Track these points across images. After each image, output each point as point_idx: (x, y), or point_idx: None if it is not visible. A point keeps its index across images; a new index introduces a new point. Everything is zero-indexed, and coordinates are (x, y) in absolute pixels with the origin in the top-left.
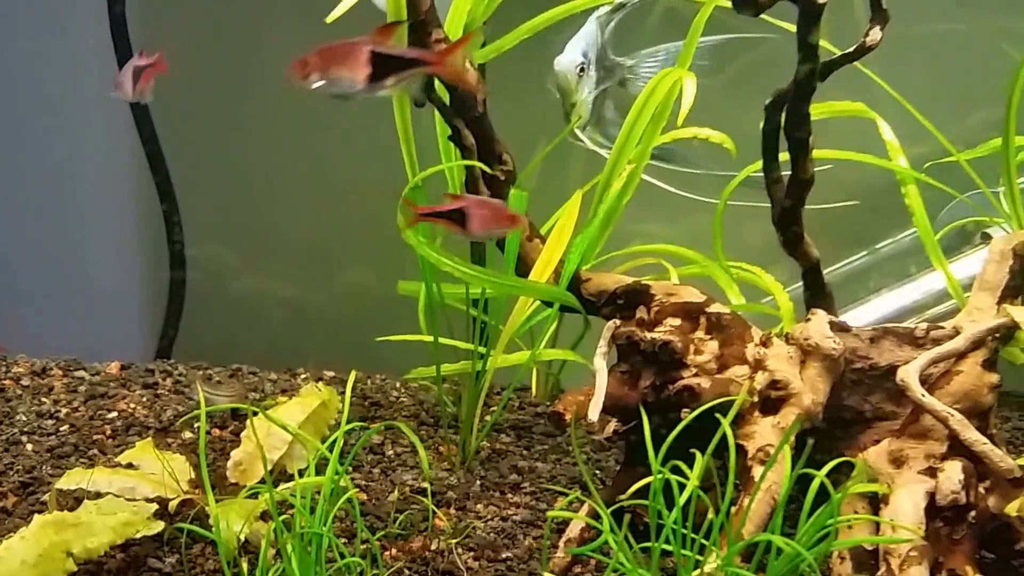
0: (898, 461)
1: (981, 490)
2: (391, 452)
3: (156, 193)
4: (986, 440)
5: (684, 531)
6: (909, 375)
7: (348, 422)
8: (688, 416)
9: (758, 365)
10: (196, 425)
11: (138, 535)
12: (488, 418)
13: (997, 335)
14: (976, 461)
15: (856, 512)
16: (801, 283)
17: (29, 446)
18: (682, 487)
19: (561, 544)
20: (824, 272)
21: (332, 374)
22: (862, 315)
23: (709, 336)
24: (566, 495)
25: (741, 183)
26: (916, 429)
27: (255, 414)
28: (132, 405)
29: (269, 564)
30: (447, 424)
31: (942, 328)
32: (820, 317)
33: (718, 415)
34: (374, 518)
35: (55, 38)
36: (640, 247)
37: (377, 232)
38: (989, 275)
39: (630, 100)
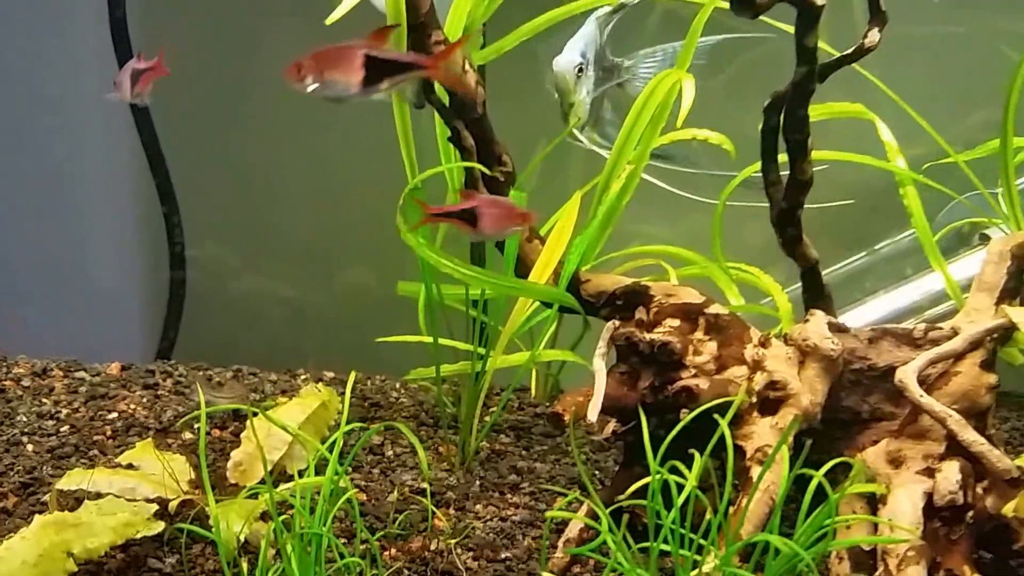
0: (896, 461)
1: (979, 490)
2: (391, 453)
3: (156, 193)
4: (984, 440)
5: (682, 531)
6: (907, 376)
7: (348, 423)
8: (686, 417)
9: (757, 366)
10: (196, 426)
11: (138, 535)
12: (487, 419)
13: (995, 336)
14: (974, 461)
15: (854, 512)
16: (800, 284)
17: (30, 447)
18: (680, 487)
19: (560, 544)
20: (823, 273)
21: (332, 375)
22: (861, 316)
23: (708, 337)
24: (565, 495)
25: (741, 184)
26: (914, 429)
27: (255, 415)
28: (132, 406)
29: (269, 564)
30: (446, 425)
31: (940, 329)
32: (819, 318)
33: (716, 416)
34: (373, 518)
35: (55, 38)
36: (639, 248)
37: (377, 232)
38: (987, 276)
39: (628, 100)
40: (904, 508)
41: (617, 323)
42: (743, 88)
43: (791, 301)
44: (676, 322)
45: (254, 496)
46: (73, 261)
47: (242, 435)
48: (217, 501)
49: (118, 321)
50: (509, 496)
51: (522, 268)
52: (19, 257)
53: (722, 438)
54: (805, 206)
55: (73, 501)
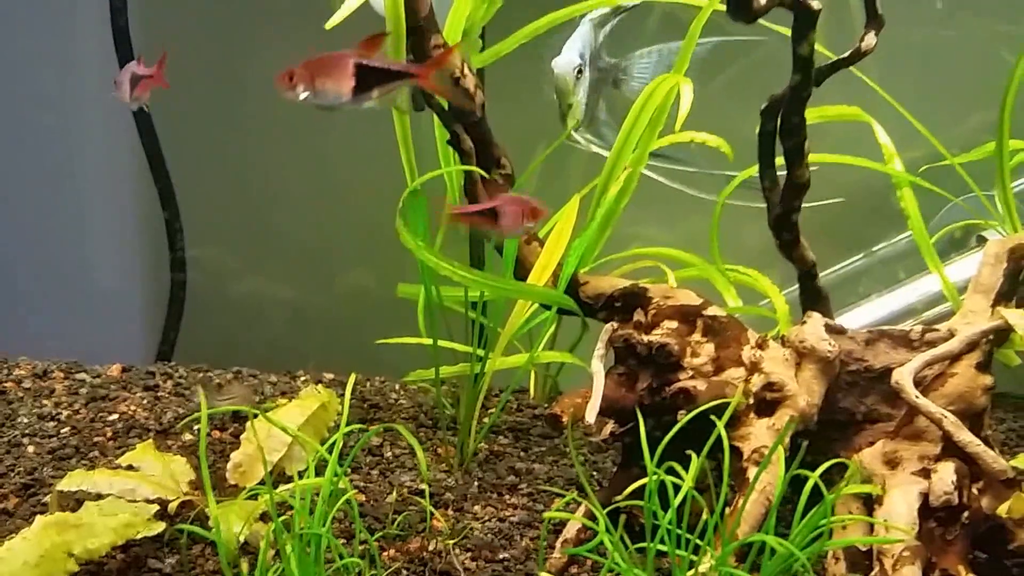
0: (892, 462)
1: (974, 491)
2: (390, 454)
3: (156, 195)
4: (979, 441)
5: (679, 531)
6: (904, 377)
7: (347, 424)
8: (684, 418)
9: (754, 367)
10: (196, 427)
11: (139, 536)
12: (486, 420)
13: (991, 338)
14: (970, 462)
15: (851, 512)
16: (797, 286)
17: (30, 448)
18: (677, 488)
19: (558, 545)
20: (821, 275)
21: (331, 376)
22: (858, 317)
23: (705, 339)
24: (563, 496)
25: (740, 184)
26: (910, 430)
27: (255, 416)
28: (133, 407)
29: (268, 564)
30: (445, 426)
31: (937, 331)
32: (816, 320)
33: (713, 417)
34: (372, 519)
35: (56, 39)
36: (638, 250)
37: (376, 234)
38: (984, 278)
39: (622, 100)
40: (900, 508)
41: (615, 325)
42: (742, 90)
43: (789, 303)
44: (674, 324)
45: (254, 497)
46: (73, 262)
47: (242, 437)
48: (217, 502)
49: (118, 323)
50: (507, 497)
51: (521, 270)
52: (19, 258)
53: (719, 439)
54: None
55: (74, 502)
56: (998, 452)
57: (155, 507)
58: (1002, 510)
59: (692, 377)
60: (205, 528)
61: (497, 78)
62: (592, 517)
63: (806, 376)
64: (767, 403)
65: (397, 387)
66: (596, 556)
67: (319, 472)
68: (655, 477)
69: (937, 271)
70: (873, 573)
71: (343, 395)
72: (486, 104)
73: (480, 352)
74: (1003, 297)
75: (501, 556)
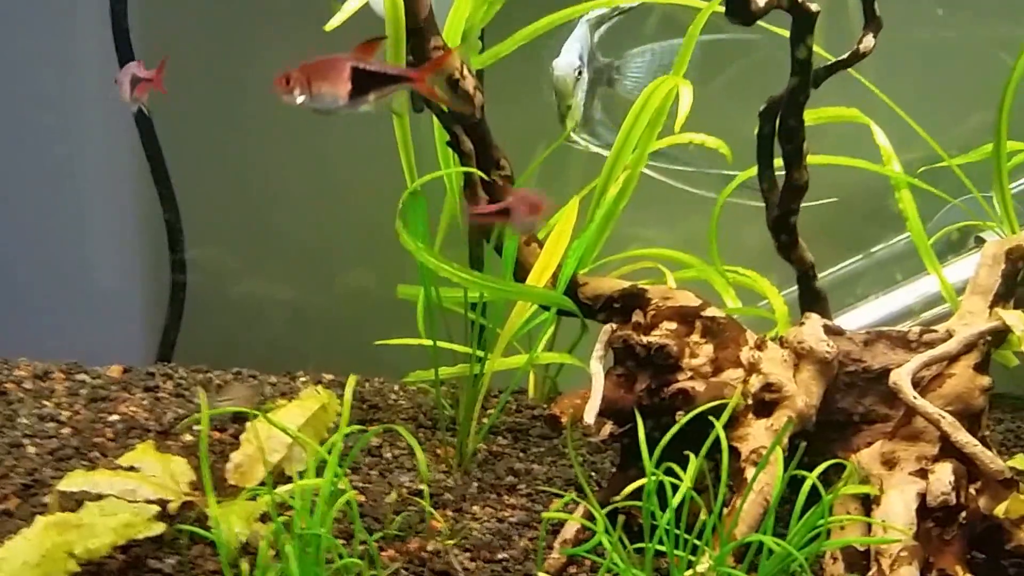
0: (890, 463)
1: (972, 491)
2: (389, 454)
3: (156, 194)
4: (977, 442)
5: (677, 532)
6: (901, 378)
7: (347, 425)
8: (682, 419)
9: (752, 368)
10: (196, 428)
11: (139, 536)
12: (485, 421)
13: (989, 338)
14: (967, 463)
15: (849, 513)
16: (796, 287)
17: (31, 448)
18: (676, 489)
19: (556, 545)
20: (820, 276)
21: (331, 377)
22: (857, 318)
23: (704, 340)
24: (562, 497)
25: (741, 185)
26: (908, 431)
27: (255, 417)
28: (133, 408)
29: (269, 565)
30: (445, 427)
31: (935, 331)
32: (814, 321)
33: (711, 418)
34: (372, 519)
35: (56, 38)
36: (637, 251)
37: (376, 235)
38: (982, 279)
39: (617, 99)
40: (897, 509)
41: (614, 326)
42: (742, 90)
43: (787, 304)
44: (673, 325)
45: (254, 498)
46: (73, 263)
47: (241, 437)
48: (217, 503)
49: (119, 323)
50: (506, 497)
51: (520, 271)
52: (19, 258)
53: (717, 440)
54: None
55: (74, 503)
56: (996, 452)
57: (155, 507)
58: (999, 510)
59: (691, 378)
60: (205, 528)
61: (496, 79)
62: (591, 517)
63: (804, 377)
64: (765, 404)
65: (396, 388)
66: (595, 556)
67: (319, 473)
68: (653, 478)
69: (935, 272)
70: (871, 573)
71: (343, 396)
72: (485, 105)
73: (479, 353)
74: (1001, 298)
75: (500, 556)
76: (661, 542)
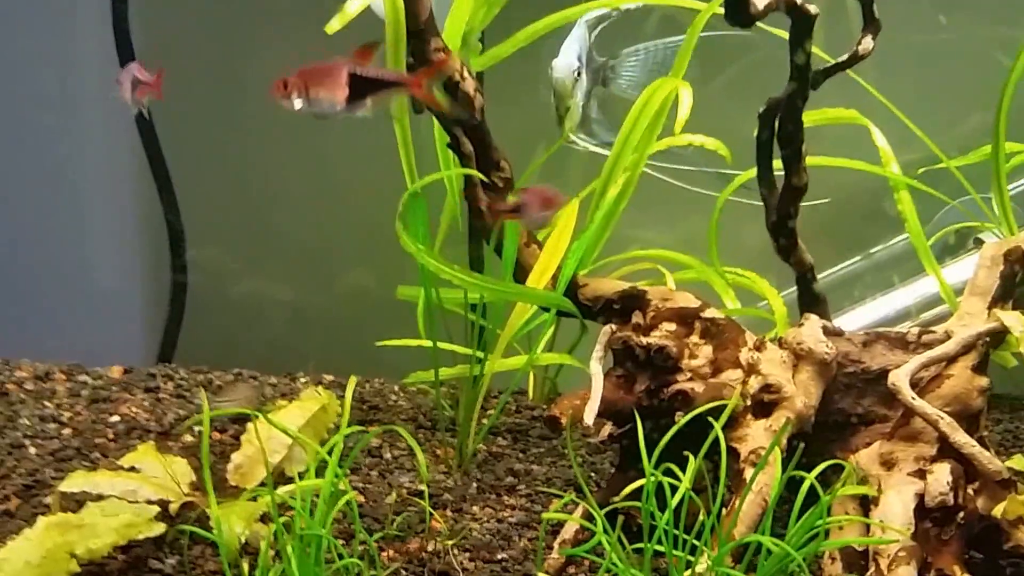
0: (888, 463)
1: (970, 491)
2: (389, 455)
3: (156, 194)
4: (975, 443)
5: (676, 532)
6: (900, 379)
7: (347, 426)
8: (681, 420)
9: (751, 369)
10: (197, 429)
11: (140, 536)
12: (485, 421)
13: (987, 339)
14: (965, 463)
15: (848, 513)
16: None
17: (32, 449)
18: (675, 489)
19: (556, 545)
20: (819, 277)
21: (331, 378)
22: (856, 319)
23: (703, 341)
24: (561, 497)
25: (741, 184)
26: (907, 432)
27: (255, 418)
28: (134, 409)
29: (269, 565)
30: (444, 427)
31: (933, 332)
32: (813, 322)
33: (710, 418)
34: (372, 520)
35: (56, 38)
36: (637, 252)
37: (376, 235)
38: (980, 280)
39: (613, 98)
40: (896, 509)
41: (614, 327)
42: (742, 89)
43: (787, 305)
44: (672, 326)
45: (255, 498)
46: (74, 263)
47: (242, 438)
48: (217, 503)
49: (119, 324)
50: (506, 498)
51: (520, 273)
52: (20, 259)
53: (716, 440)
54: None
55: (75, 503)
56: (994, 453)
57: (156, 508)
58: (997, 511)
59: (690, 379)
60: (206, 529)
61: (496, 80)
62: (590, 518)
63: (803, 378)
64: (764, 405)
65: (396, 389)
66: (594, 556)
67: (319, 473)
68: (652, 478)
69: (934, 273)
70: (869, 573)
71: (343, 397)
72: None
73: (479, 354)
74: (999, 299)
75: (499, 556)
76: (660, 542)
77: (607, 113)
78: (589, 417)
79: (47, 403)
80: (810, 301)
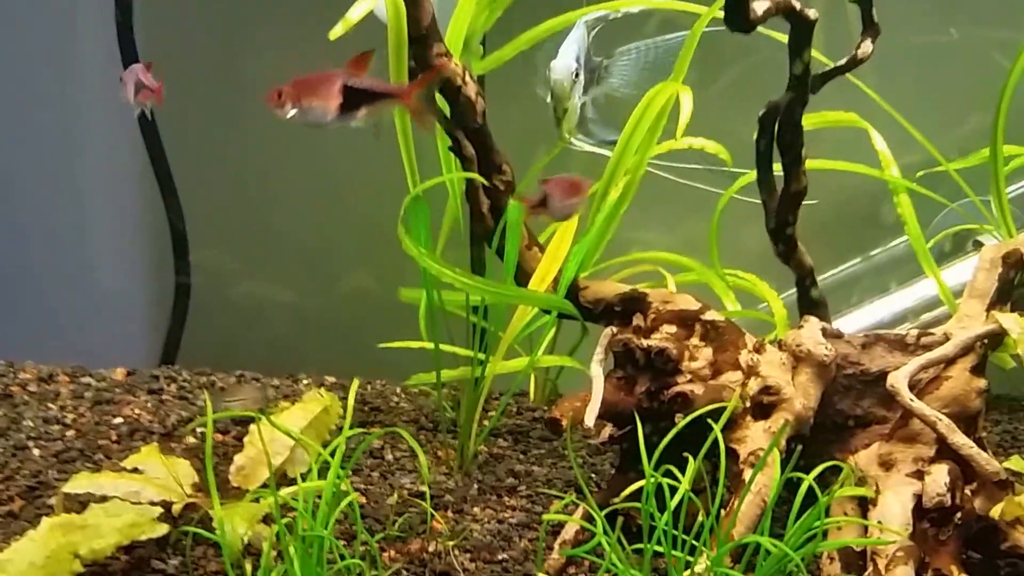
0: (887, 464)
1: (968, 492)
2: (390, 456)
3: (159, 195)
4: (973, 444)
5: (676, 533)
6: (899, 380)
7: (349, 427)
8: (681, 422)
9: (751, 371)
10: (199, 430)
11: (143, 537)
12: (486, 423)
13: (986, 341)
14: (963, 464)
15: (846, 513)
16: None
17: (36, 451)
18: (674, 490)
19: (556, 546)
20: (819, 279)
21: (333, 380)
22: (855, 321)
23: (704, 343)
24: (561, 498)
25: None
26: (905, 433)
27: (258, 419)
28: (137, 411)
29: (271, 565)
30: (446, 429)
31: (932, 334)
32: (812, 324)
33: (710, 420)
34: (373, 521)
35: (57, 38)
36: (637, 255)
37: (378, 237)
38: (979, 283)
39: (609, 97)
40: (894, 509)
41: (615, 329)
42: (742, 92)
43: (787, 307)
44: (672, 328)
45: (257, 499)
46: (77, 265)
47: (245, 439)
48: (220, 504)
49: (122, 326)
50: (506, 499)
51: (522, 276)
52: (22, 260)
53: (716, 442)
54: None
55: (78, 505)
56: (992, 454)
57: (159, 509)
58: (995, 511)
59: (690, 381)
60: (209, 530)
61: (495, 81)
62: (590, 519)
63: (802, 380)
64: (763, 406)
65: (398, 390)
66: (594, 557)
67: (321, 475)
68: (652, 480)
69: (933, 276)
70: (867, 573)
71: (345, 398)
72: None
73: (481, 356)
74: (998, 302)
75: (500, 557)
76: (659, 543)
77: (603, 112)
78: (590, 419)
79: (51, 405)
80: (809, 303)
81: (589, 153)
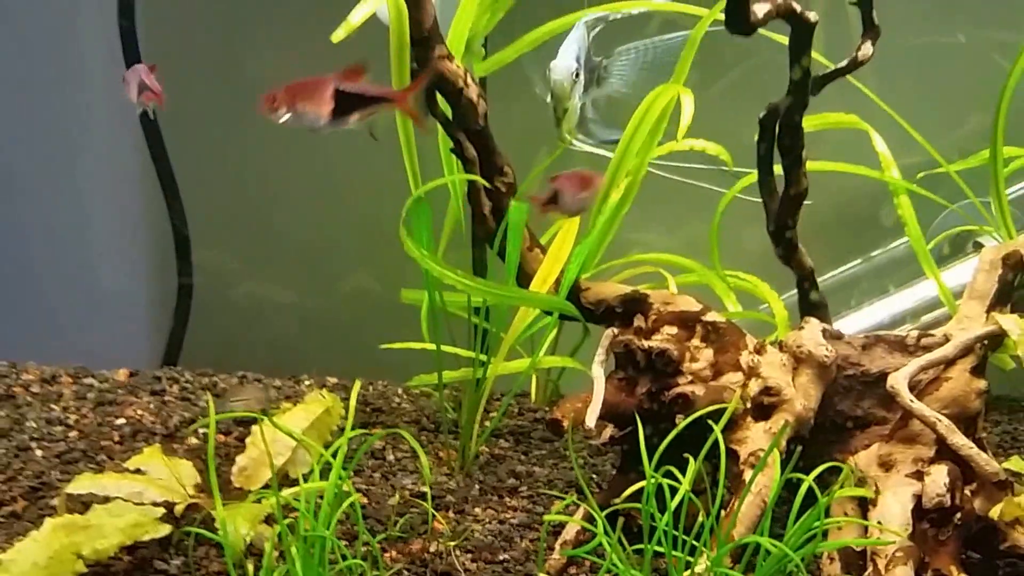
0: (887, 464)
1: (967, 493)
2: (392, 457)
3: (161, 196)
4: (972, 444)
5: (676, 533)
6: (899, 381)
7: (351, 428)
8: (681, 423)
9: (752, 372)
10: (202, 431)
11: (146, 538)
12: (487, 424)
13: (986, 342)
14: (963, 465)
15: (846, 514)
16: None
17: (39, 452)
18: (675, 491)
19: (557, 546)
20: (819, 280)
21: (335, 381)
22: (856, 322)
23: (704, 344)
24: (562, 499)
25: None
26: (905, 434)
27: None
28: (139, 411)
29: (273, 566)
30: (447, 430)
31: (932, 335)
32: (813, 325)
33: (710, 421)
34: (375, 521)
35: (58, 38)
36: (639, 256)
37: (380, 238)
38: (979, 284)
39: (608, 97)
40: (893, 510)
41: (616, 331)
42: (743, 94)
43: (787, 308)
44: (673, 330)
45: (259, 500)
46: (79, 266)
47: (247, 440)
48: (222, 505)
49: (124, 326)
50: (508, 499)
51: (523, 277)
52: (25, 261)
53: (716, 442)
54: None
55: (81, 505)
56: (992, 454)
57: (161, 510)
58: (994, 512)
59: (691, 382)
60: (211, 530)
61: (497, 83)
62: (591, 519)
63: (803, 381)
64: (764, 407)
65: (400, 391)
66: (594, 557)
67: (323, 475)
68: (653, 480)
69: (933, 277)
70: (867, 573)
71: (347, 399)
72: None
73: (482, 357)
74: (997, 303)
75: (501, 557)
76: (660, 543)
77: (599, 111)
78: (591, 420)
79: (53, 406)
80: (810, 305)
81: (589, 153)
